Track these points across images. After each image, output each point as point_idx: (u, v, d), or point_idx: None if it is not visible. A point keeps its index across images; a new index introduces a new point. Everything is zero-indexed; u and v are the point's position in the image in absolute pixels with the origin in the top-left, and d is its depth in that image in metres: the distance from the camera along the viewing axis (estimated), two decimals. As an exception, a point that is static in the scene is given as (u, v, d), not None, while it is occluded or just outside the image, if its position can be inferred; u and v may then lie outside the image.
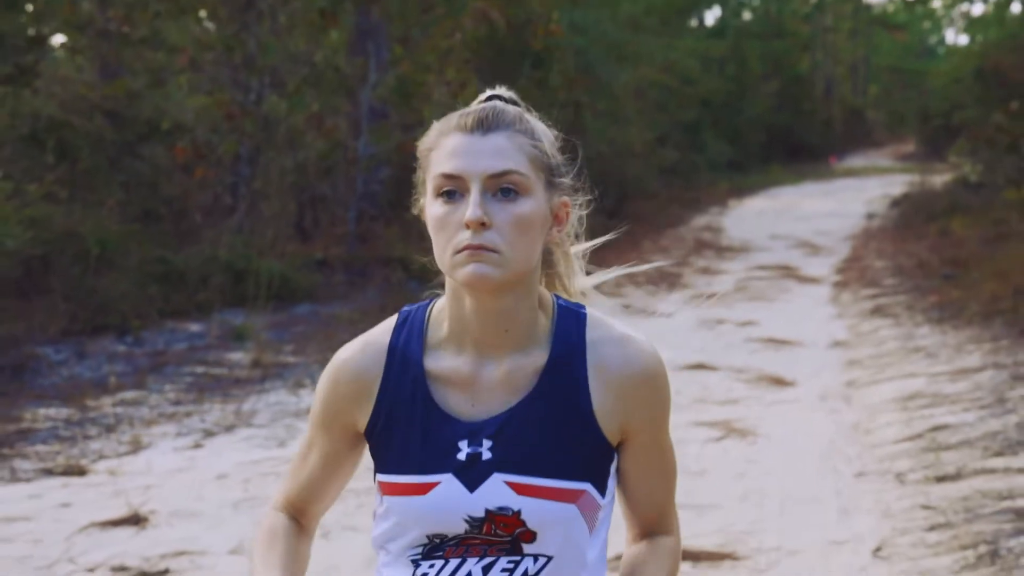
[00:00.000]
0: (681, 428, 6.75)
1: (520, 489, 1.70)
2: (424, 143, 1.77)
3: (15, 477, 6.03)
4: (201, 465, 6.23)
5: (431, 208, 1.72)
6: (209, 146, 12.79)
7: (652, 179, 22.53)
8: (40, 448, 6.54)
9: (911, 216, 18.32)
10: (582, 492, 1.72)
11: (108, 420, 7.13)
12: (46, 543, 5.03)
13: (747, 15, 39.44)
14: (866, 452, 6.26)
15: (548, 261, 1.87)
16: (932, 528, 4.95)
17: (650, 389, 1.76)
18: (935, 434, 6.38)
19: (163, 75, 12.81)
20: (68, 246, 9.22)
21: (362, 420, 1.79)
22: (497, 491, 1.71)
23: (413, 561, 1.76)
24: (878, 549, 4.80)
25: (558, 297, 1.81)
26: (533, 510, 1.70)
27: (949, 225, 15.47)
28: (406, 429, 1.75)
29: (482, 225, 1.66)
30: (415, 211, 1.79)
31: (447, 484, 1.72)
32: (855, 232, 18.05)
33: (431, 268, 1.80)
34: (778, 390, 7.83)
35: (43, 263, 9.13)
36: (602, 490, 1.75)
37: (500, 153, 1.70)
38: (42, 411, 7.27)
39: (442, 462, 1.72)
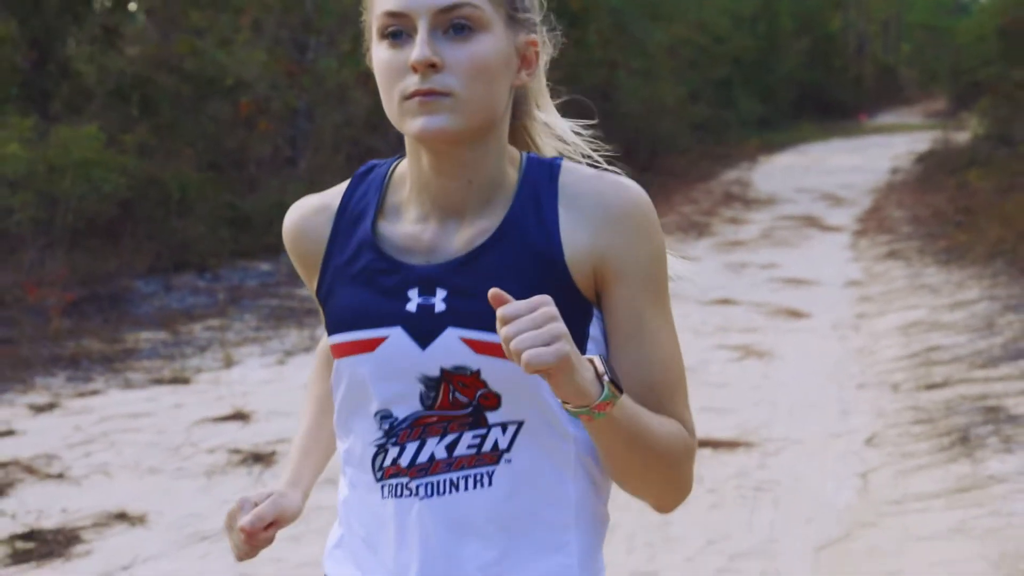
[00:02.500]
0: (705, 350, 7.67)
1: (478, 347, 1.48)
2: None
3: (129, 385, 7.00)
4: (287, 377, 7.19)
5: (376, 53, 1.50)
6: (268, 101, 13.71)
7: (684, 135, 23.28)
8: (146, 363, 7.51)
9: (933, 170, 19.04)
10: None
11: (200, 342, 8.11)
12: (168, 433, 6.00)
13: (779, -27, 39.72)
14: (868, 368, 7.15)
15: (517, 113, 1.63)
16: (916, 422, 5.85)
17: (629, 223, 1.50)
18: (929, 353, 7.26)
19: (227, 35, 13.71)
20: (151, 191, 10.17)
21: (314, 284, 1.61)
22: (452, 348, 1.49)
23: (376, 445, 1.55)
24: (870, 439, 5.70)
25: (531, 153, 1.59)
26: (494, 370, 1.48)
27: (966, 178, 16.22)
28: (351, 281, 1.55)
29: (431, 67, 1.44)
30: (367, 61, 1.56)
31: (396, 338, 1.51)
32: (879, 186, 18.79)
33: None
34: (794, 321, 8.71)
35: (129, 206, 10.09)
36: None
37: None
38: (142, 335, 8.25)
39: (390, 313, 1.51)
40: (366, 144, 14.67)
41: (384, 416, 1.53)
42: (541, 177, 1.53)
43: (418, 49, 1.44)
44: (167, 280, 9.69)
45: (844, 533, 4.54)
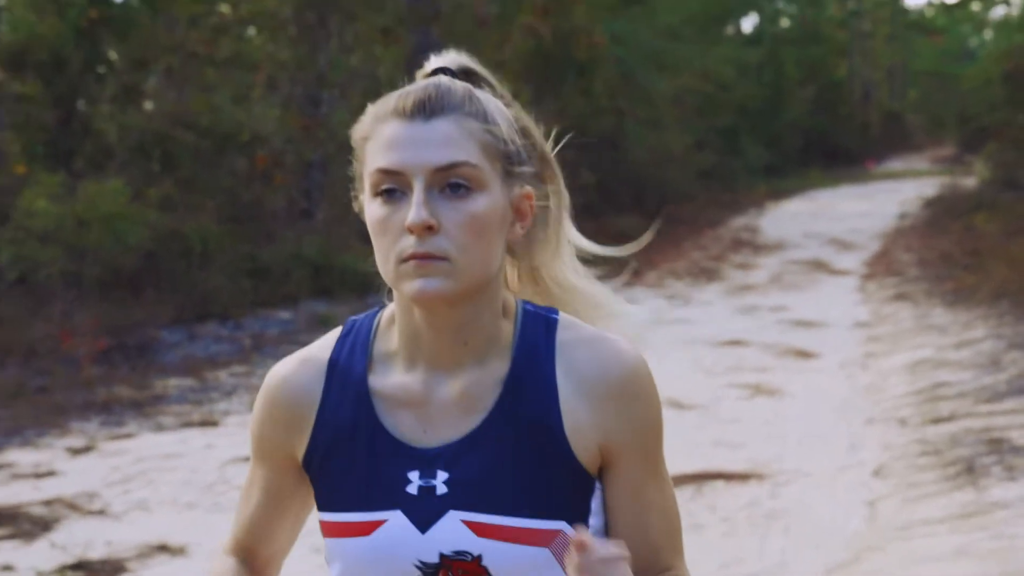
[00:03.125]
0: (717, 389, 7.89)
1: (480, 530, 1.44)
2: (358, 131, 1.50)
3: (161, 428, 7.24)
4: (312, 420, 7.42)
5: (369, 209, 1.46)
6: (283, 155, 14.04)
7: (691, 183, 23.58)
8: (176, 408, 7.76)
9: (940, 215, 19.29)
10: (555, 533, 1.45)
11: (226, 388, 8.35)
12: (201, 471, 6.22)
13: (784, 22, 40.25)
14: (875, 405, 7.36)
15: (522, 256, 1.60)
16: (923, 454, 6.06)
17: (631, 396, 1.48)
18: (936, 389, 7.47)
19: (242, 91, 14.06)
20: (173, 244, 10.45)
21: (300, 449, 1.52)
22: (453, 532, 1.45)
23: None
24: (877, 470, 5.91)
25: (525, 302, 1.55)
26: (497, 555, 1.44)
27: (973, 221, 16.47)
28: (348, 458, 1.49)
29: (428, 229, 1.41)
30: (356, 208, 1.52)
31: (394, 522, 1.46)
32: (887, 230, 19.02)
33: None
34: (804, 361, 8.92)
35: (152, 258, 10.37)
36: None
37: (447, 142, 1.44)
38: (170, 381, 8.51)
39: (389, 497, 1.46)
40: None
41: None
42: (538, 333, 1.51)
43: (414, 211, 1.41)
44: (191, 329, 9.95)
45: (852, 557, 4.74)
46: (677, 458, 6.14)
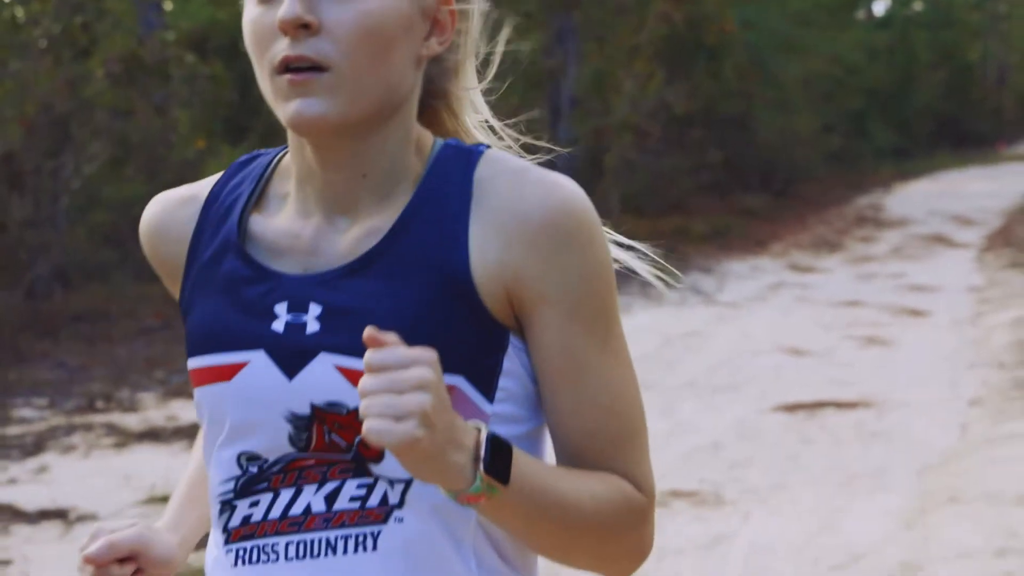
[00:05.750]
0: (833, 340, 8.69)
1: (357, 378, 1.12)
2: None
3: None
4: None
5: (245, 13, 1.23)
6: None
7: (818, 164, 24.13)
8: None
9: (1067, 193, 19.63)
10: (450, 389, 1.14)
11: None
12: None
13: (917, 4, 40.12)
14: (979, 353, 8.10)
15: (433, 92, 1.30)
16: (1015, 387, 6.83)
17: (553, 235, 1.19)
18: (1036, 340, 8.21)
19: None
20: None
21: (176, 293, 1.32)
22: (325, 378, 1.20)
23: (224, 503, 1.26)
24: (972, 402, 6.70)
25: (451, 140, 1.28)
26: None
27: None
28: (210, 292, 1.27)
29: (304, 27, 1.16)
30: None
31: (257, 365, 1.22)
32: (1011, 208, 19.42)
33: None
34: (916, 318, 9.66)
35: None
36: (485, 389, 1.21)
37: None
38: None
39: (252, 334, 1.23)
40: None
41: (250, 458, 1.24)
42: (454, 170, 1.24)
43: (287, 5, 1.16)
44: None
45: (943, 462, 5.57)
46: (793, 392, 7.02)
